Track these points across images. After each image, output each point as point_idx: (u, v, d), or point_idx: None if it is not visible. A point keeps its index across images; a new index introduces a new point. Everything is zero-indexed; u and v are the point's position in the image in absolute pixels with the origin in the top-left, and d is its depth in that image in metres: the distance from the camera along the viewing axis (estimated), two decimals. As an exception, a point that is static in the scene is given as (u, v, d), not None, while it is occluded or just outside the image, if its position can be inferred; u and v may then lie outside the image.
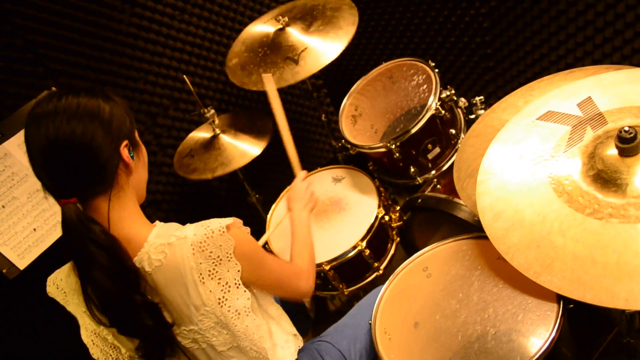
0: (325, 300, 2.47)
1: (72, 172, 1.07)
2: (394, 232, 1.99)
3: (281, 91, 2.73)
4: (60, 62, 2.03)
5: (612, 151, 1.12)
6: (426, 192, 1.89)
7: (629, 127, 1.07)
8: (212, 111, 2.16)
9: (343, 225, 1.93)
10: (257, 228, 1.77)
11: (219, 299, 1.14)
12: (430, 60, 1.97)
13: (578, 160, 1.17)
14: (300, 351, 1.39)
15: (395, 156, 1.87)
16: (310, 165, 1.98)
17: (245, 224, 1.27)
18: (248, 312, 1.18)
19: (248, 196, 2.42)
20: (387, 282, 1.48)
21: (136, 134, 1.19)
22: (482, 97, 1.85)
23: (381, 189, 1.98)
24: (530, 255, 1.08)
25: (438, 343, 1.29)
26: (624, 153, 1.10)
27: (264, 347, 1.25)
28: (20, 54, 1.93)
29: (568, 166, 1.17)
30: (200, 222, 1.15)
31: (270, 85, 1.86)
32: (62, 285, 1.22)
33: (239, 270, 1.15)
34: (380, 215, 1.88)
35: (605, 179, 1.10)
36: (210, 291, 1.13)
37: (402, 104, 2.10)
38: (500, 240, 1.14)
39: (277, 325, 1.34)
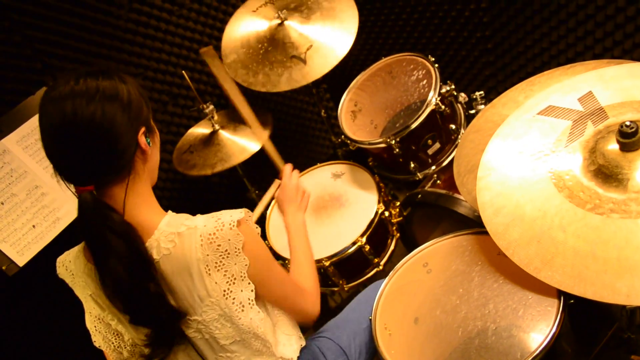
0: (326, 297, 2.47)
1: (90, 158, 1.05)
2: (394, 228, 1.99)
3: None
4: (59, 58, 2.03)
5: (613, 146, 1.12)
6: (426, 188, 1.89)
7: (630, 121, 1.07)
8: (211, 107, 2.15)
9: (343, 221, 1.92)
10: (258, 225, 1.77)
11: (224, 290, 1.14)
12: (430, 55, 1.97)
13: (579, 155, 1.17)
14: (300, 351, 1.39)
15: (395, 152, 1.86)
16: (310, 160, 1.97)
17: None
18: (252, 305, 1.18)
19: (248, 192, 2.42)
20: (387, 278, 1.48)
21: (151, 119, 1.17)
22: (482, 92, 1.84)
23: (381, 184, 1.97)
24: (531, 251, 1.08)
25: (438, 339, 1.29)
26: (625, 148, 1.09)
27: (269, 340, 1.24)
28: (18, 49, 1.92)
29: (569, 161, 1.17)
30: (211, 214, 1.15)
31: (210, 59, 1.73)
32: (71, 267, 1.22)
33: (246, 265, 1.15)
34: (380, 211, 1.88)
35: (607, 174, 1.10)
36: (216, 283, 1.13)
37: (402, 99, 2.09)
38: (501, 235, 1.14)
39: (281, 324, 1.34)
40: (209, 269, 1.12)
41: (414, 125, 1.80)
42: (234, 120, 2.26)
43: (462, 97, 1.95)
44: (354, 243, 1.83)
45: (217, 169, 2.07)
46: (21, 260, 1.72)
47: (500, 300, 1.27)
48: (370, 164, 2.11)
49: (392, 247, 1.99)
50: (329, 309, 2.43)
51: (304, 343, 1.40)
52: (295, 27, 2.06)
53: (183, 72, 2.08)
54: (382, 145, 1.86)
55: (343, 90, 2.12)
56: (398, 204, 2.02)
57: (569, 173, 1.15)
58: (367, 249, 1.85)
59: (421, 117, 1.80)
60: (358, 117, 2.10)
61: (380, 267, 1.94)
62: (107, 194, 1.10)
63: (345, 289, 1.95)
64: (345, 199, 1.99)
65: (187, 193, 2.53)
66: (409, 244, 2.03)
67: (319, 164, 2.18)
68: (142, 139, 1.11)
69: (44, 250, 1.75)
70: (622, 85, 1.23)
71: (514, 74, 2.27)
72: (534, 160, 1.21)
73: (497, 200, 1.19)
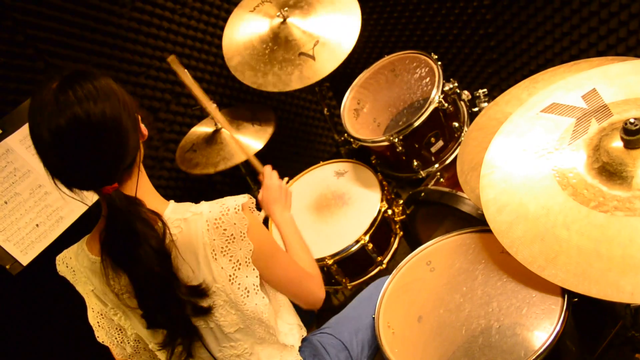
0: (329, 295, 2.47)
1: (111, 156, 1.04)
2: (397, 226, 1.99)
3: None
4: (61, 58, 2.03)
5: (617, 143, 1.11)
6: (429, 186, 1.89)
7: (635, 119, 1.06)
8: (214, 105, 2.15)
9: (346, 219, 1.92)
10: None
11: (230, 276, 1.14)
12: (433, 53, 1.96)
13: (583, 152, 1.16)
14: (302, 341, 1.39)
15: (398, 150, 1.86)
16: (313, 159, 1.97)
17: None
18: (257, 290, 1.19)
19: (250, 190, 2.42)
20: (390, 276, 1.48)
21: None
22: (485, 90, 1.84)
23: (384, 182, 1.97)
24: (535, 249, 1.08)
25: (442, 337, 1.29)
26: (629, 145, 1.09)
27: (273, 326, 1.25)
28: (21, 49, 1.92)
29: (573, 159, 1.16)
30: (215, 200, 1.16)
31: (176, 67, 1.71)
32: (72, 264, 1.22)
33: (250, 250, 1.15)
34: (383, 209, 1.87)
35: (611, 171, 1.09)
36: (222, 268, 1.13)
37: (404, 97, 2.09)
38: (504, 233, 1.14)
39: (283, 312, 1.34)
40: (215, 254, 1.12)
41: (417, 123, 1.80)
42: (237, 119, 2.26)
43: (465, 94, 1.95)
44: (357, 241, 1.83)
45: (220, 168, 2.07)
46: (25, 259, 1.73)
47: (504, 298, 1.26)
48: (373, 162, 2.11)
49: (395, 246, 1.99)
50: (332, 307, 2.43)
51: (305, 333, 1.40)
52: (298, 24, 2.06)
53: (185, 70, 2.07)
54: (385, 143, 1.86)
55: (346, 88, 2.12)
56: (401, 202, 2.01)
57: (572, 171, 1.14)
58: (370, 247, 1.85)
59: (424, 115, 1.79)
60: (361, 115, 2.10)
61: (384, 266, 1.94)
62: (123, 186, 1.10)
63: (349, 287, 1.95)
64: (348, 197, 1.99)
65: (189, 192, 2.53)
66: (412, 242, 2.03)
67: (322, 162, 2.18)
68: (142, 126, 1.13)
69: (48, 249, 1.76)
70: (626, 82, 1.22)
71: (517, 71, 2.27)
72: (537, 157, 1.21)
73: (500, 198, 1.19)
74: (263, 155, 2.09)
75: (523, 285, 1.25)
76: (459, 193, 1.74)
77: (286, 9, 2.08)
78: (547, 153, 1.20)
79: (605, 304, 1.54)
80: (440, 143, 1.91)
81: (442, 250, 1.47)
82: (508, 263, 1.28)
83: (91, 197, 1.11)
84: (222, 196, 1.18)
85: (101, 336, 1.27)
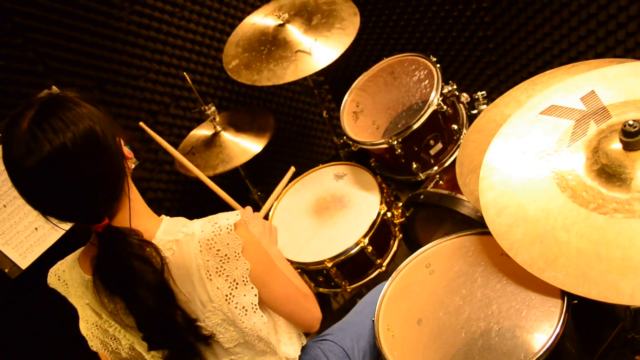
0: (329, 298, 2.46)
1: (97, 186, 1.02)
2: (397, 229, 1.99)
3: (282, 86, 2.72)
4: (61, 61, 2.03)
5: (616, 145, 1.11)
6: (428, 188, 1.89)
7: (633, 120, 1.06)
8: (213, 108, 2.15)
9: (345, 222, 1.92)
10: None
11: (226, 295, 1.13)
12: (431, 56, 1.96)
13: (582, 154, 1.16)
14: (303, 349, 1.38)
15: (397, 152, 1.86)
16: (312, 162, 1.98)
17: (248, 222, 1.27)
18: (255, 309, 1.18)
19: (250, 193, 2.42)
20: (389, 279, 1.47)
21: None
22: (484, 92, 1.84)
23: (383, 185, 1.97)
24: (534, 251, 1.08)
25: (441, 340, 1.29)
26: (628, 147, 1.09)
27: (272, 342, 1.24)
28: (21, 52, 1.93)
29: (572, 161, 1.16)
30: (208, 217, 1.14)
31: (149, 132, 1.74)
32: (65, 277, 1.21)
33: (247, 268, 1.14)
34: (382, 212, 1.87)
35: (610, 173, 1.09)
36: (218, 288, 1.12)
37: (403, 99, 2.09)
38: (504, 236, 1.14)
39: (281, 323, 1.33)
40: (210, 275, 1.11)
41: (416, 126, 1.80)
42: (236, 121, 2.26)
43: (464, 97, 1.95)
44: (356, 244, 1.83)
45: (219, 171, 2.07)
46: (24, 262, 1.72)
47: (503, 301, 1.26)
48: (373, 164, 2.11)
49: (394, 248, 1.99)
50: (332, 311, 2.43)
51: (304, 341, 1.39)
52: (297, 30, 2.07)
53: (184, 74, 2.08)
54: (384, 146, 1.86)
55: (345, 91, 2.12)
56: (400, 204, 2.01)
57: (571, 173, 1.14)
58: (369, 250, 1.84)
59: (423, 118, 1.79)
60: (360, 118, 2.10)
61: (383, 268, 1.94)
62: (115, 218, 1.09)
63: (348, 290, 1.95)
64: (348, 200, 1.99)
65: (189, 195, 2.53)
66: (412, 244, 2.03)
67: (321, 165, 2.18)
68: (124, 147, 1.11)
69: (47, 253, 1.75)
70: (625, 84, 1.23)
71: (516, 73, 2.27)
72: (536, 160, 1.21)
73: (499, 201, 1.19)
74: (262, 159, 2.10)
75: (523, 288, 1.25)
76: (458, 195, 1.74)
77: (286, 13, 2.09)
78: (546, 155, 1.20)
79: (605, 306, 1.53)
80: (440, 145, 1.91)
81: (441, 253, 1.47)
82: (507, 265, 1.27)
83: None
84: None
85: (95, 345, 1.26)
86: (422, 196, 1.86)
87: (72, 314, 1.24)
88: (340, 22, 2.00)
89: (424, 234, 2.01)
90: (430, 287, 1.41)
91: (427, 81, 1.99)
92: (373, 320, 1.40)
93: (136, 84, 2.27)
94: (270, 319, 1.28)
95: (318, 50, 1.97)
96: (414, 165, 1.92)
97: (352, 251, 1.82)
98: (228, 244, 1.11)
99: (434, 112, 1.82)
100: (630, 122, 1.06)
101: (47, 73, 2.00)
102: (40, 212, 1.03)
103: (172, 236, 1.10)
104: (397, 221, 1.98)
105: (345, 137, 2.01)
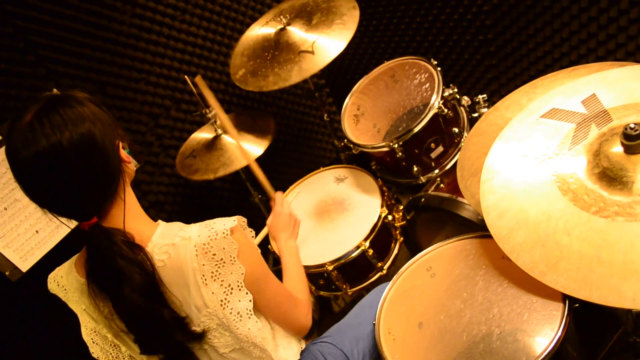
0: (329, 301, 2.46)
1: (88, 186, 1.04)
2: (398, 232, 1.99)
3: (283, 90, 2.72)
4: (62, 64, 2.03)
5: (617, 148, 1.11)
6: (429, 192, 1.89)
7: (635, 124, 1.06)
8: (214, 112, 2.15)
9: (346, 225, 1.92)
10: (260, 229, 1.76)
11: (222, 300, 1.13)
12: (432, 59, 1.97)
13: (583, 158, 1.16)
14: (302, 352, 1.38)
15: (398, 155, 1.86)
16: (313, 165, 1.97)
17: (248, 224, 1.26)
18: (250, 315, 1.18)
19: (251, 196, 2.42)
20: (390, 282, 1.47)
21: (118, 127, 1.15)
22: (485, 96, 1.84)
23: (384, 188, 1.97)
24: (536, 255, 1.07)
25: (442, 343, 1.28)
26: (629, 150, 1.09)
27: (267, 349, 1.24)
28: (22, 55, 1.93)
29: (573, 164, 1.16)
30: (204, 222, 1.15)
31: (202, 87, 1.75)
32: (63, 283, 1.21)
33: (242, 273, 1.14)
34: (383, 215, 1.87)
35: (611, 176, 1.09)
36: (213, 293, 1.12)
37: (404, 103, 2.09)
38: (505, 239, 1.13)
39: (279, 328, 1.33)
40: (205, 279, 1.11)
41: (417, 129, 1.80)
42: (237, 125, 2.26)
43: (465, 100, 1.95)
44: (357, 247, 1.82)
45: (220, 174, 2.07)
46: (24, 265, 1.72)
47: (504, 304, 1.26)
48: (373, 167, 2.11)
49: (395, 251, 1.98)
50: (333, 314, 2.43)
51: (303, 345, 1.39)
52: (298, 31, 2.07)
53: (185, 77, 2.08)
54: (385, 149, 1.86)
55: (346, 94, 2.12)
56: (401, 207, 2.01)
57: (573, 176, 1.14)
58: (370, 253, 1.84)
59: (424, 121, 1.80)
60: (361, 121, 2.10)
61: (384, 272, 1.94)
62: (106, 218, 1.10)
63: (349, 293, 1.94)
64: (349, 203, 1.99)
65: (189, 198, 2.53)
66: (413, 247, 2.03)
67: (322, 168, 2.18)
68: (122, 151, 1.12)
69: (47, 256, 1.76)
70: (626, 87, 1.23)
71: (517, 76, 2.27)
72: (537, 163, 1.21)
73: (501, 204, 1.19)
74: (263, 162, 2.09)
75: (524, 291, 1.25)
76: (459, 199, 1.74)
77: (287, 16, 2.09)
78: (548, 158, 1.20)
79: (606, 309, 1.53)
80: (440, 149, 1.91)
81: (442, 256, 1.47)
82: (509, 269, 1.27)
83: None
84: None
85: (96, 352, 1.26)
86: (423, 199, 1.86)
87: (74, 317, 1.25)
88: (340, 18, 2.00)
89: (425, 237, 2.01)
90: (431, 291, 1.41)
91: (428, 84, 2.00)
92: (374, 324, 1.40)
93: (137, 87, 2.27)
94: (267, 323, 1.28)
95: (320, 47, 1.97)
96: (415, 169, 1.92)
97: (353, 254, 1.82)
98: (224, 249, 1.11)
99: (435, 116, 1.82)
100: (632, 125, 1.06)
101: (49, 76, 2.00)
102: (34, 202, 1.05)
103: (169, 240, 1.11)
104: (398, 224, 1.98)
105: (346, 140, 2.01)
